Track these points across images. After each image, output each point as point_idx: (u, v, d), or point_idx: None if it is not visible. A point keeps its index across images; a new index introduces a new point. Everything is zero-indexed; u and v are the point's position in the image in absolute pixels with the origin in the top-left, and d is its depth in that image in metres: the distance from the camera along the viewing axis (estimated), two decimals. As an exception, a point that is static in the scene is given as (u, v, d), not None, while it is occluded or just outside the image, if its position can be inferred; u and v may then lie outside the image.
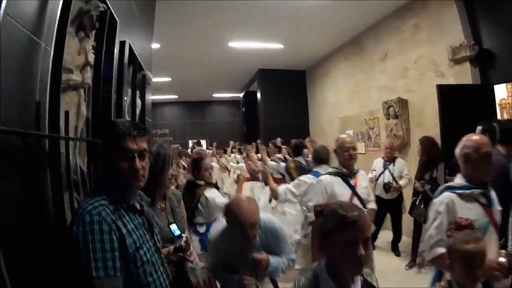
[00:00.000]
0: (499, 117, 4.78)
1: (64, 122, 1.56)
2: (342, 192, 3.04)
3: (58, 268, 1.41)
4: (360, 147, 7.67)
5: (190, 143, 13.09)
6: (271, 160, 6.01)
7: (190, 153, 9.07)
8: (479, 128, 3.91)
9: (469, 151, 2.07)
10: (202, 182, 3.48)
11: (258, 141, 8.37)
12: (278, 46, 8.59)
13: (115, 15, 2.48)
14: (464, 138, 2.17)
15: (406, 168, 5.34)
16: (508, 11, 4.46)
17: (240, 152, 9.31)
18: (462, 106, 4.64)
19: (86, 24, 2.09)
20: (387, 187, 5.20)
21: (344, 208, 1.34)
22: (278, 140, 7.00)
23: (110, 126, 1.43)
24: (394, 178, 5.24)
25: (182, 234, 2.03)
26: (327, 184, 3.10)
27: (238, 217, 2.09)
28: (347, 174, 3.15)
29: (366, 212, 2.86)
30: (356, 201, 2.99)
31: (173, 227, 2.07)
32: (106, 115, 2.37)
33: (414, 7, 5.99)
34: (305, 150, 5.60)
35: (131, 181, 1.40)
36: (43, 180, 1.46)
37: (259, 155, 7.45)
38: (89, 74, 2.12)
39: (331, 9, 6.35)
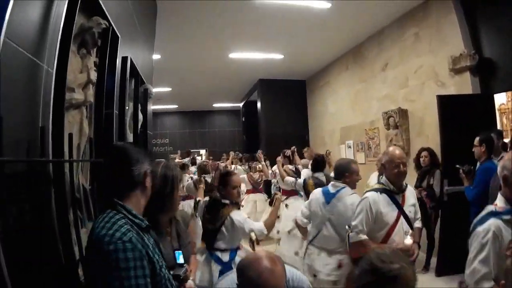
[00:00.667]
0: (498, 123, 4.82)
1: (68, 144, 1.55)
2: (388, 212, 2.76)
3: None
4: (360, 157, 7.68)
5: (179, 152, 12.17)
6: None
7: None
8: (477, 139, 3.96)
9: (508, 173, 1.83)
10: (227, 201, 3.07)
11: (260, 151, 8.19)
12: (278, 56, 8.62)
13: (116, 31, 2.49)
14: (506, 157, 1.92)
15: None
16: (508, 20, 4.49)
17: (241, 161, 9.21)
18: (462, 115, 4.67)
19: (88, 41, 2.10)
20: None
21: (383, 259, 1.11)
22: (288, 151, 6.45)
23: (147, 152, 1.55)
24: None
25: (184, 265, 1.87)
26: (372, 202, 2.75)
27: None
28: (394, 192, 2.82)
29: (410, 239, 2.66)
30: (403, 222, 2.77)
31: (179, 254, 1.92)
32: (108, 131, 2.36)
33: (415, 17, 6.01)
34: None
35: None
36: (49, 200, 1.45)
37: (260, 166, 7.35)
38: (91, 91, 2.11)
39: (331, 19, 6.37)
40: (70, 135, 1.57)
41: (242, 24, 6.51)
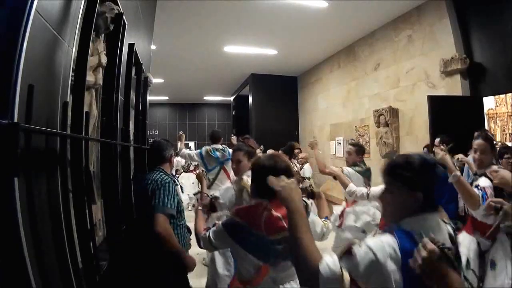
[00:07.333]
0: (486, 127, 4.98)
1: (85, 122, 1.60)
2: None
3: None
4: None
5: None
6: None
7: None
8: (437, 140, 4.15)
9: None
10: None
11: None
12: (272, 52, 8.69)
13: (125, 17, 2.52)
14: None
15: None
16: (499, 26, 4.65)
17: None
18: (452, 116, 4.79)
19: (100, 25, 2.14)
20: None
21: None
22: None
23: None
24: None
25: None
26: None
27: None
28: None
29: None
30: None
31: None
32: (114, 116, 2.40)
33: (409, 19, 6.15)
34: None
35: None
36: (65, 178, 1.48)
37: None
38: (100, 75, 2.15)
39: (326, 18, 6.47)
40: (87, 114, 1.61)
41: (238, 18, 6.55)
